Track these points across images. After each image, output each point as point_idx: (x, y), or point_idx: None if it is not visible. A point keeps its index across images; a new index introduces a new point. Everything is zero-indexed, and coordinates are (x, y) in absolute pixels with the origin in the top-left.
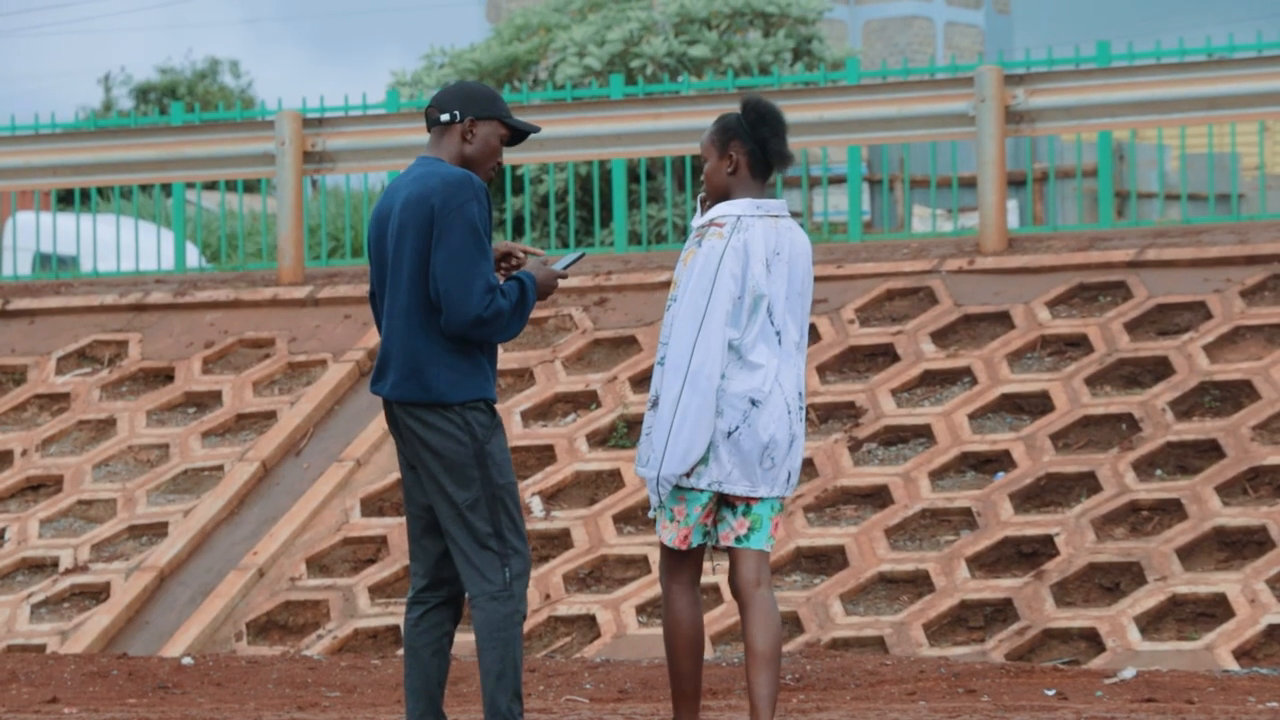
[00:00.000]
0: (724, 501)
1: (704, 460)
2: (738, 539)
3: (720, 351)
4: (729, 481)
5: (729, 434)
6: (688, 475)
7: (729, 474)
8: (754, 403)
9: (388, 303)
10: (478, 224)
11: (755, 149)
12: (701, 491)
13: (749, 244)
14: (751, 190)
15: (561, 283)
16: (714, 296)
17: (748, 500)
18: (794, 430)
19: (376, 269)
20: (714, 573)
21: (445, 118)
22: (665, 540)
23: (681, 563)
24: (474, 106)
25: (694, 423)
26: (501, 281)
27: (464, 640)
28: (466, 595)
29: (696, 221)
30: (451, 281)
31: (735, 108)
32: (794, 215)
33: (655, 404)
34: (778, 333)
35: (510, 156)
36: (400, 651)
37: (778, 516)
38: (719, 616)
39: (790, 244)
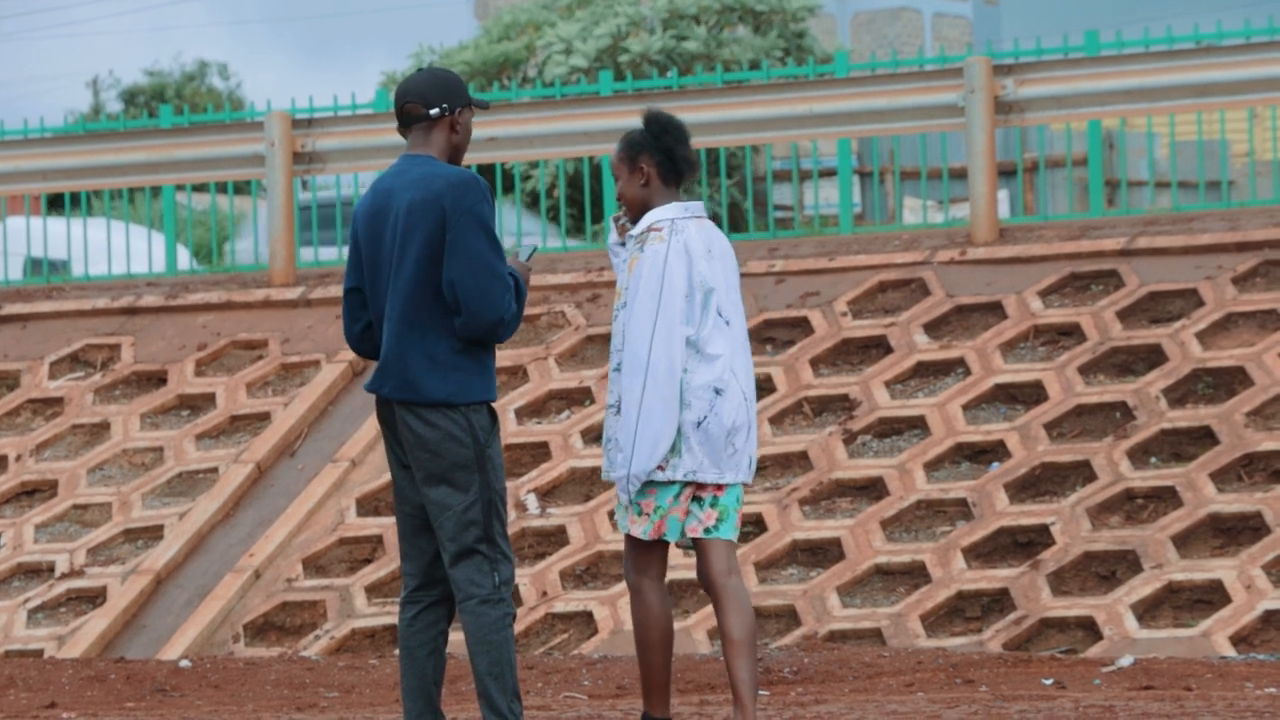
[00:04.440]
0: (693, 494)
1: (677, 452)
2: (706, 530)
3: (678, 346)
4: (701, 470)
5: (698, 424)
6: (661, 469)
7: (700, 463)
8: (717, 391)
9: (389, 304)
10: (490, 225)
11: (663, 159)
12: (673, 483)
13: (688, 243)
14: (668, 197)
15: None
16: (664, 295)
17: (715, 492)
18: (749, 417)
19: (369, 269)
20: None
21: (435, 112)
22: (637, 533)
23: (650, 557)
24: (456, 97)
25: (659, 417)
26: None
27: (459, 639)
28: (456, 599)
29: (634, 230)
30: (473, 287)
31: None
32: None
33: (617, 409)
34: (727, 322)
35: (500, 154)
36: (398, 651)
37: (741, 508)
38: (712, 613)
39: (718, 241)
